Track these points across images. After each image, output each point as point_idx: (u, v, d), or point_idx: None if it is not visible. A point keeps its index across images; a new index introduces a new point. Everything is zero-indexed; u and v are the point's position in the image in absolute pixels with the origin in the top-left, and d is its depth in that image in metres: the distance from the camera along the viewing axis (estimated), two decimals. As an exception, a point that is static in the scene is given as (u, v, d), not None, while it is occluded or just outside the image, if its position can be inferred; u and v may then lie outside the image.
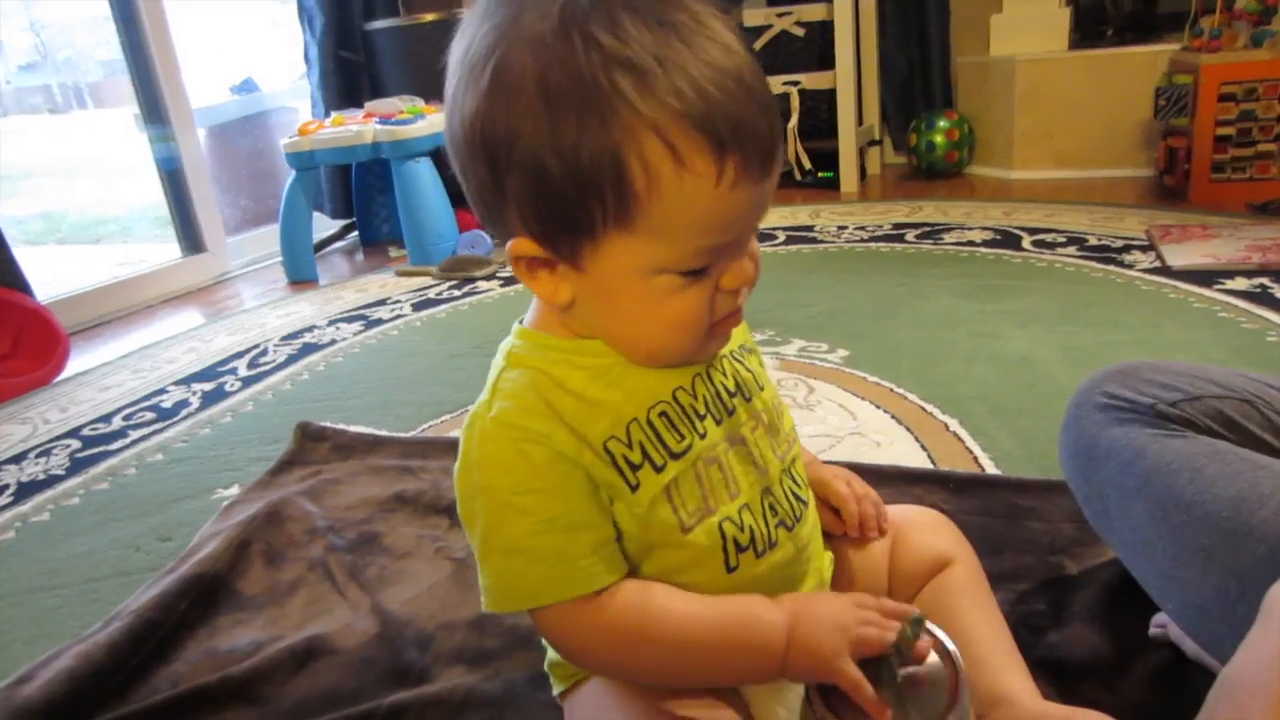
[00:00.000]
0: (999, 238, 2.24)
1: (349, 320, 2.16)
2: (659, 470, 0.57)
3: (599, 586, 0.56)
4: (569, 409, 0.56)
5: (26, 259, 2.12)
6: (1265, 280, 1.72)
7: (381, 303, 2.29)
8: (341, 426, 1.42)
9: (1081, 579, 0.84)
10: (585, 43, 0.47)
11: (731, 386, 0.62)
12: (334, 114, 2.68)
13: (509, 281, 2.35)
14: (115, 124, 2.79)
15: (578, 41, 0.47)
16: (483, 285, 2.34)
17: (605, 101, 0.47)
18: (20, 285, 2.07)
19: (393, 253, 2.88)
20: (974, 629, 0.65)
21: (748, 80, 0.49)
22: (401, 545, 1.07)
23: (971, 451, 1.18)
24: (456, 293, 2.30)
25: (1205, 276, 1.77)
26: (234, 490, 1.29)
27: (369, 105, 2.64)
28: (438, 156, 2.57)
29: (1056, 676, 0.72)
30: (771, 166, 0.51)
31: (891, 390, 1.40)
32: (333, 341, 2.00)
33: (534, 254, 0.53)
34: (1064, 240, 2.16)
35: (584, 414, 0.56)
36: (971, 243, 2.23)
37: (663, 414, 0.58)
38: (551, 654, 0.69)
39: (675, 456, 0.57)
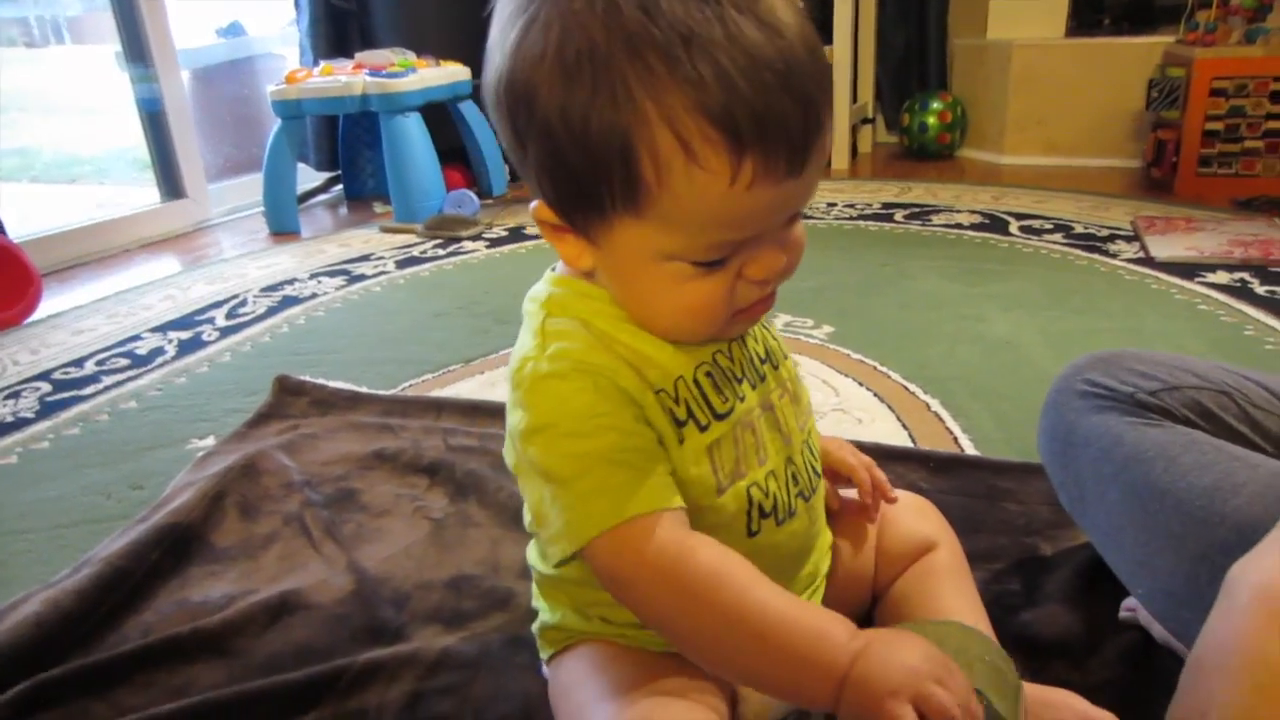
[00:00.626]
0: (987, 222, 2.25)
1: (331, 275, 2.13)
2: (703, 430, 0.56)
3: (677, 504, 0.53)
4: (624, 352, 0.54)
5: None
6: (1246, 275, 1.73)
7: (365, 258, 2.26)
8: (321, 381, 1.40)
9: (1055, 561, 0.85)
10: (609, 11, 0.45)
11: (762, 353, 0.63)
12: (322, 63, 2.62)
13: (495, 243, 2.33)
14: (95, 61, 2.71)
15: (600, 8, 0.45)
16: (468, 245, 2.32)
17: (618, 81, 0.45)
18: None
19: (377, 208, 2.84)
20: (953, 610, 0.66)
21: (789, 69, 0.45)
22: (379, 503, 1.06)
23: (952, 432, 1.18)
24: (441, 252, 2.28)
25: (1188, 269, 1.79)
26: (209, 441, 1.27)
27: (359, 56, 2.59)
28: (427, 112, 2.53)
29: (1029, 655, 0.73)
30: (804, 164, 0.47)
31: (875, 368, 1.40)
32: (314, 295, 1.97)
33: (552, 220, 0.53)
34: (1050, 227, 2.17)
35: (637, 361, 0.55)
36: (959, 225, 2.23)
37: (708, 374, 0.57)
38: (544, 617, 0.68)
39: (719, 417, 0.57)
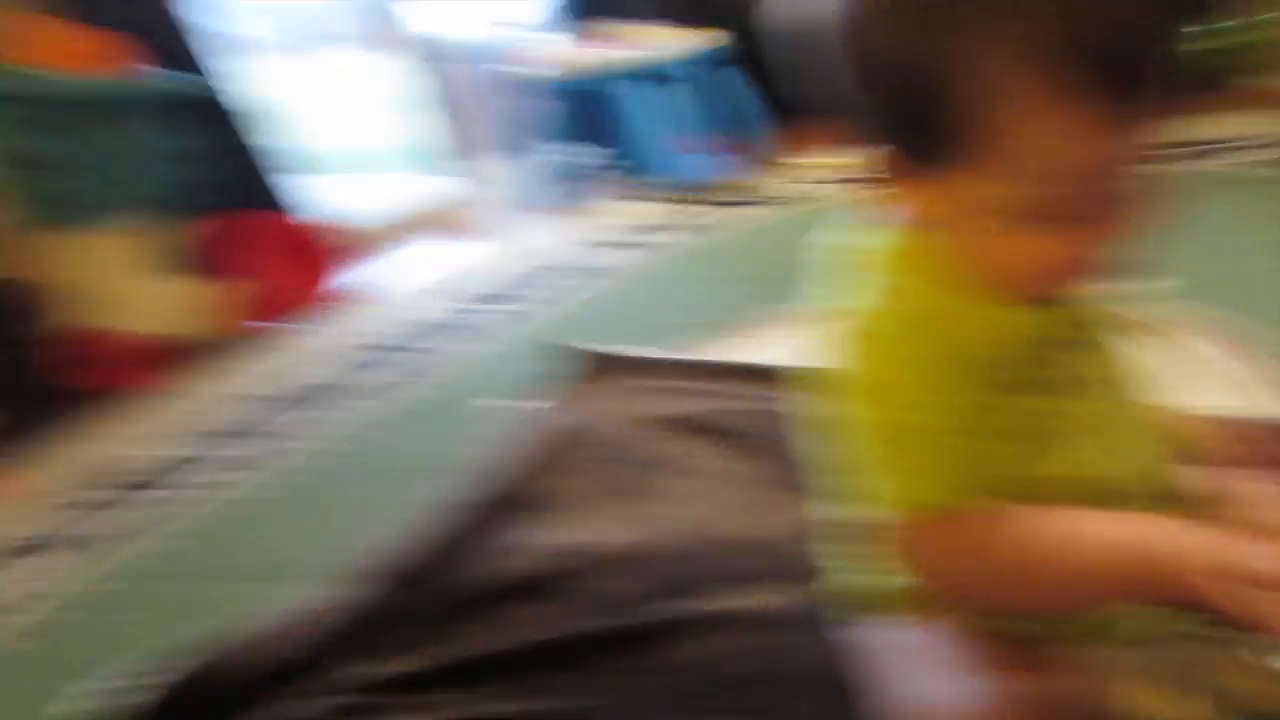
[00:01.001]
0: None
1: (620, 247, 2.23)
2: (1048, 395, 0.53)
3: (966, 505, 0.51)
4: (978, 318, 0.52)
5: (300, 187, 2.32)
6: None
7: (649, 228, 2.34)
8: (629, 351, 1.45)
9: None
10: None
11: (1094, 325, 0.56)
12: (578, 36, 2.72)
13: (776, 204, 2.32)
14: (375, 57, 2.99)
15: None
16: (747, 211, 2.34)
17: (966, 15, 0.43)
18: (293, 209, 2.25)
19: (643, 180, 2.90)
20: None
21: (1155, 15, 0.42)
22: (689, 464, 1.10)
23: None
24: (725, 216, 2.31)
25: None
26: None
27: (612, 28, 2.67)
28: (690, 81, 2.56)
29: None
30: (1174, 99, 0.44)
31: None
32: (605, 268, 2.08)
33: (896, 166, 0.50)
34: None
35: (989, 323, 0.52)
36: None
37: (1048, 341, 0.53)
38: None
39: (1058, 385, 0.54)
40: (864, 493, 0.54)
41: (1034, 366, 0.52)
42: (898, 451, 0.52)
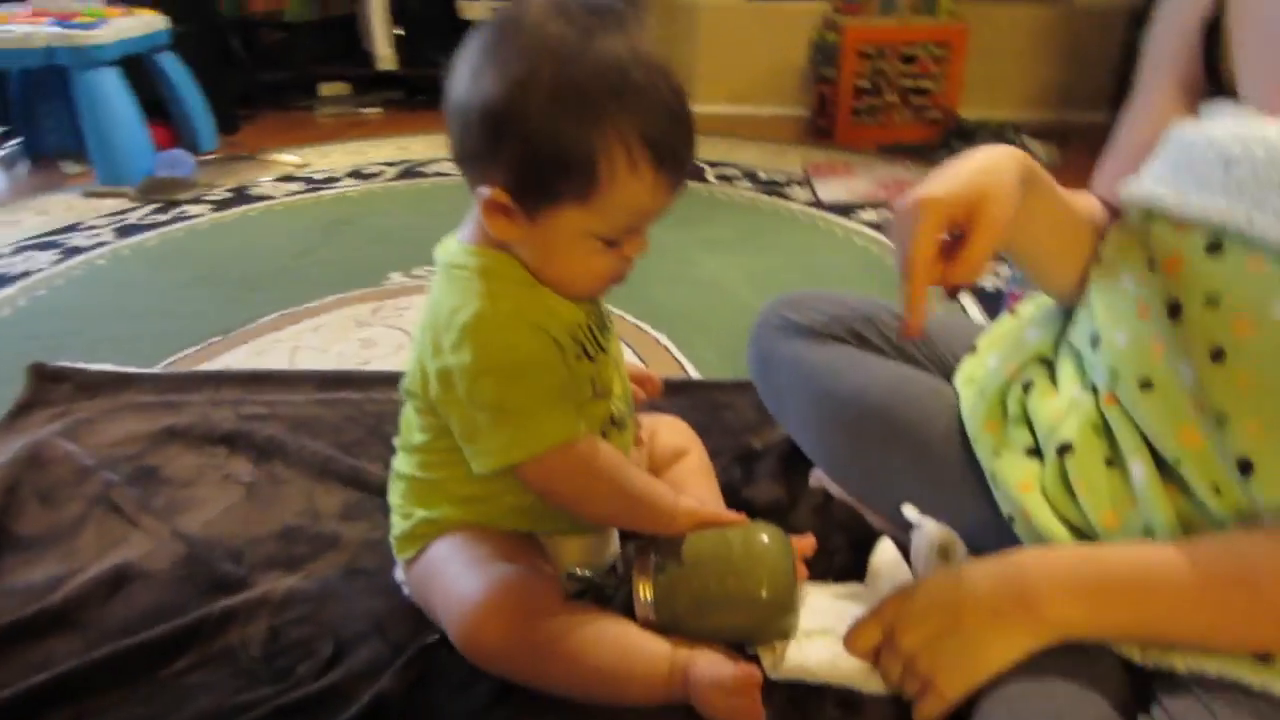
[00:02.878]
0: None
1: (41, 248, 2.00)
2: (591, 361, 0.79)
3: (581, 435, 0.76)
4: (548, 308, 0.75)
5: None
6: (887, 212, 2.18)
7: (73, 228, 2.13)
8: (80, 365, 1.39)
9: (764, 451, 1.14)
10: (599, 58, 0.65)
11: (602, 312, 0.85)
12: None
13: (219, 206, 2.28)
14: None
15: (591, 57, 0.65)
16: (190, 209, 2.25)
17: (594, 111, 0.65)
18: None
19: (68, 168, 2.62)
20: (701, 493, 0.91)
21: (688, 120, 0.70)
22: (184, 475, 1.13)
23: (679, 360, 1.45)
24: (162, 217, 2.20)
25: (846, 209, 2.20)
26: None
27: (35, 2, 2.36)
28: (127, 66, 2.38)
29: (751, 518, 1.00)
30: (685, 181, 0.72)
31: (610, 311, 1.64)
32: (26, 273, 1.86)
33: (505, 203, 0.70)
34: (740, 174, 2.53)
35: (555, 312, 0.75)
36: (666, 174, 2.52)
37: (589, 326, 0.79)
38: (397, 527, 0.87)
39: (602, 351, 0.81)
40: (480, 442, 0.75)
41: (584, 341, 0.78)
42: (524, 409, 0.73)
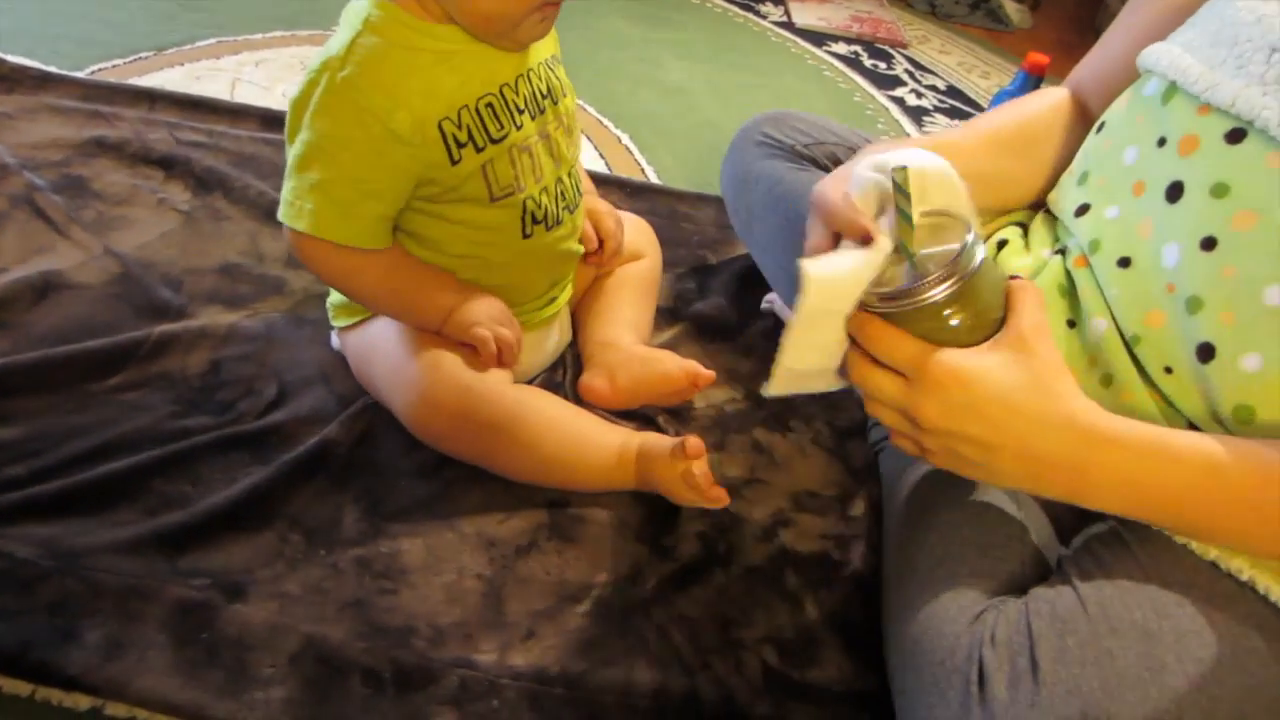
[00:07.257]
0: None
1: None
2: (479, 151, 0.72)
3: (367, 247, 0.72)
4: (414, 88, 0.67)
5: None
6: (859, 49, 2.12)
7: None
8: (23, 62, 1.25)
9: (719, 268, 1.15)
10: None
11: (544, 90, 0.77)
12: None
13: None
14: None
15: None
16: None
17: None
18: None
19: None
20: (626, 306, 0.93)
21: None
22: (115, 192, 1.06)
23: (640, 164, 1.42)
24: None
25: (818, 38, 2.13)
26: None
27: None
28: None
29: (699, 333, 1.02)
30: None
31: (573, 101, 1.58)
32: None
33: None
34: (716, -19, 2.39)
35: (425, 94, 0.68)
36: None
37: (489, 105, 0.72)
38: (334, 297, 0.85)
39: (494, 141, 0.73)
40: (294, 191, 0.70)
41: (473, 127, 0.71)
42: (315, 183, 0.69)
